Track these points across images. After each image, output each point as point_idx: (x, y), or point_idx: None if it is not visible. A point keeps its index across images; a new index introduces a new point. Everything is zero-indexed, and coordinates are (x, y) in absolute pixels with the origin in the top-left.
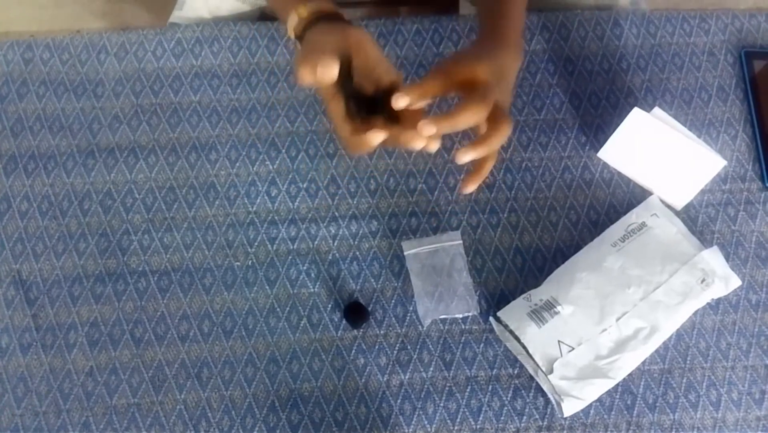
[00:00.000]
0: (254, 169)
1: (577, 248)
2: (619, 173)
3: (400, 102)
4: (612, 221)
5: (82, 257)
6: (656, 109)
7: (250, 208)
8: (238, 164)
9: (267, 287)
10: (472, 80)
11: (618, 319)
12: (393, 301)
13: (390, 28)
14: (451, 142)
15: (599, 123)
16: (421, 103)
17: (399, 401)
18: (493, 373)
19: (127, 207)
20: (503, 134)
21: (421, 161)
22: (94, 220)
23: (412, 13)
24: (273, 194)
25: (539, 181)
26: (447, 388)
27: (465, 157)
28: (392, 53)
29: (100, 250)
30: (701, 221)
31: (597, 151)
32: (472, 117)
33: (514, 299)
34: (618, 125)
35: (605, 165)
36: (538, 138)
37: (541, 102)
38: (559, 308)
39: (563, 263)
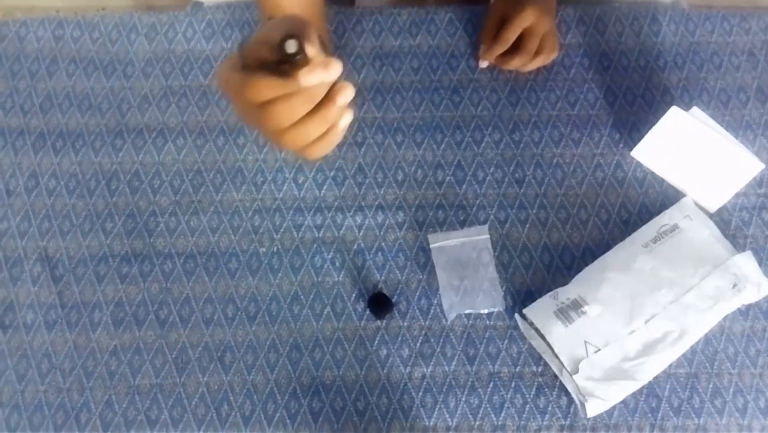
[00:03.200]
0: (282, 155)
1: (607, 247)
2: (652, 173)
3: (483, 65)
4: (643, 222)
5: (109, 236)
6: (695, 109)
7: (277, 195)
8: (265, 150)
9: (291, 274)
10: (524, 32)
11: (647, 321)
12: (417, 293)
13: (422, 17)
14: (481, 135)
15: (634, 121)
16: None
17: (421, 393)
18: (517, 370)
19: (154, 189)
20: (551, 58)
21: (450, 153)
22: (121, 200)
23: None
24: (300, 181)
25: (570, 177)
26: (469, 383)
27: (508, 67)
28: (424, 42)
29: (126, 230)
30: (734, 224)
31: (631, 149)
32: (529, 63)
33: (540, 296)
34: (653, 124)
35: (638, 164)
36: (571, 134)
37: (575, 97)
38: (586, 307)
39: (592, 262)
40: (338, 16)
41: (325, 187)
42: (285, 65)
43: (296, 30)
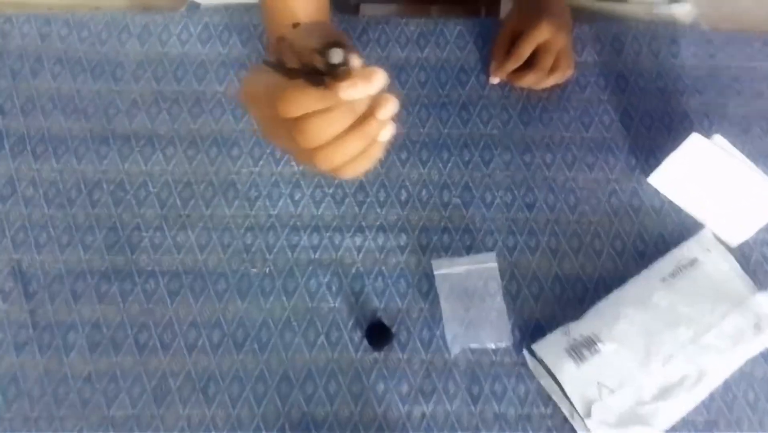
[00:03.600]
0: (278, 169)
1: (622, 279)
2: (670, 202)
3: (495, 81)
4: (660, 253)
5: (88, 251)
6: (717, 136)
7: (271, 212)
8: (261, 163)
9: (284, 298)
10: (539, 47)
11: (664, 361)
12: (419, 323)
13: (431, 29)
14: (490, 155)
15: (651, 146)
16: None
17: None
18: (524, 411)
19: (139, 200)
20: (566, 76)
21: (456, 173)
22: (103, 212)
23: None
24: (296, 198)
25: (583, 204)
26: (473, 424)
27: (520, 83)
28: (432, 55)
29: (107, 245)
30: (755, 259)
31: (647, 175)
32: (543, 81)
33: (550, 330)
34: (671, 149)
35: (656, 192)
36: (585, 157)
37: (590, 119)
38: (600, 345)
39: (606, 294)
40: (342, 25)
41: (323, 206)
42: (323, 76)
43: (335, 37)
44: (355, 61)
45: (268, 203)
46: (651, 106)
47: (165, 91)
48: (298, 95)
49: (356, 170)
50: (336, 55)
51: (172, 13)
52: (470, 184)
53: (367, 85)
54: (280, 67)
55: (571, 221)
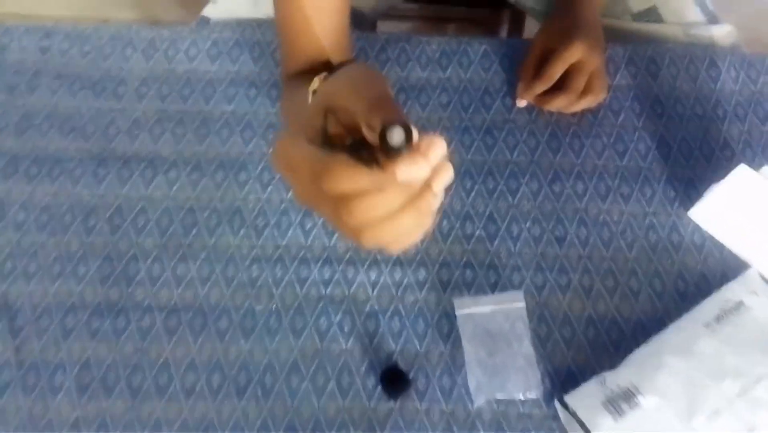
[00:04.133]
0: (288, 195)
1: (661, 322)
2: (712, 238)
3: (522, 104)
4: (703, 294)
5: (81, 282)
6: (766, 168)
7: (280, 242)
8: (270, 189)
9: (291, 338)
10: (570, 68)
11: (709, 418)
12: (439, 369)
13: (454, 48)
14: (517, 184)
15: (690, 176)
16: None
17: None
18: None
19: (138, 228)
20: (598, 99)
21: (480, 202)
22: (98, 240)
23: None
24: (307, 227)
25: (618, 238)
26: None
27: (550, 107)
28: (455, 76)
29: (102, 276)
30: None
31: (687, 209)
32: (575, 104)
33: (584, 379)
34: (712, 181)
35: (696, 227)
36: (619, 188)
37: (624, 146)
38: (640, 398)
39: (644, 339)
40: (360, 42)
41: (335, 236)
42: (375, 153)
43: (387, 103)
44: (417, 139)
45: (276, 233)
46: (690, 134)
47: (170, 110)
48: (348, 173)
49: (405, 245)
50: (397, 136)
51: (180, 27)
52: (495, 215)
53: (427, 163)
54: (326, 144)
55: (605, 257)
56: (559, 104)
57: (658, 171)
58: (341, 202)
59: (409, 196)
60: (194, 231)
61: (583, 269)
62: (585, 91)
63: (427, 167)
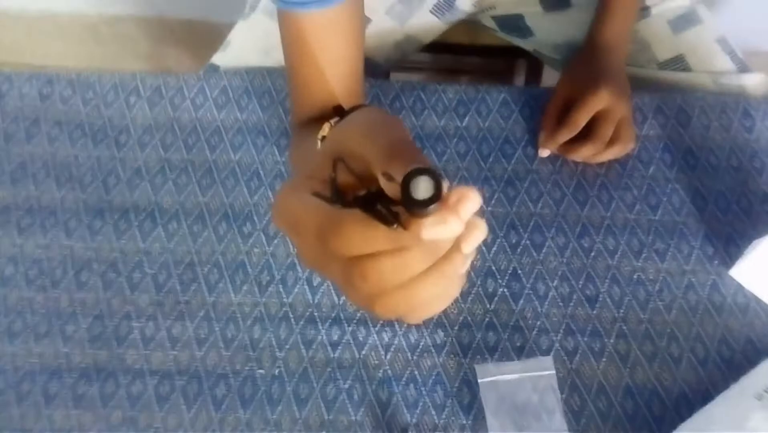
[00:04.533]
0: (295, 250)
1: (706, 394)
2: (757, 299)
3: (544, 154)
4: (750, 362)
5: (68, 342)
6: None
7: (285, 299)
8: (276, 242)
9: (295, 408)
10: (596, 116)
11: None
12: None
13: (471, 96)
14: (542, 238)
15: (730, 232)
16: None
17: None
18: None
19: (133, 284)
20: (627, 149)
21: (503, 258)
22: (90, 296)
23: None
24: (315, 284)
25: (656, 299)
26: None
27: (575, 157)
28: (473, 124)
29: (91, 336)
30: None
31: (728, 267)
32: (602, 153)
33: None
34: (753, 237)
35: (739, 286)
36: (654, 244)
37: (657, 199)
38: None
39: (688, 413)
40: (373, 90)
41: None
42: (397, 204)
43: (408, 149)
44: (445, 191)
45: (281, 289)
46: (726, 187)
47: (173, 159)
48: (361, 232)
49: (427, 315)
50: (424, 188)
51: (188, 75)
52: (519, 271)
53: (459, 220)
54: (335, 198)
55: (642, 319)
56: (585, 154)
57: (694, 226)
58: (353, 264)
59: (434, 258)
60: (193, 287)
61: (618, 333)
62: (612, 141)
63: (459, 226)
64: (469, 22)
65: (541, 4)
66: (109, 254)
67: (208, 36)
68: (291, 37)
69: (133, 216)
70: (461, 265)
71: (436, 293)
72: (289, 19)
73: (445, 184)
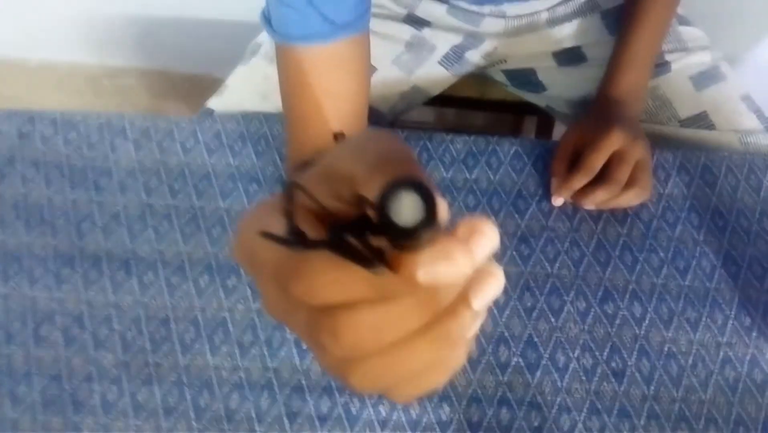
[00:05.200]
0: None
1: None
2: None
3: (558, 202)
4: None
5: (18, 408)
6: None
7: (269, 363)
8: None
9: None
10: (611, 158)
11: None
12: None
13: (481, 147)
14: (560, 303)
15: (767, 301)
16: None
17: None
18: None
19: (98, 341)
20: (644, 195)
21: (516, 323)
22: (48, 355)
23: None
24: (304, 346)
25: (689, 375)
26: None
27: (590, 203)
28: (483, 177)
29: (45, 400)
30: None
31: None
32: (618, 198)
33: None
34: None
35: None
36: (684, 312)
37: (685, 263)
38: None
39: None
40: None
41: None
42: (379, 235)
43: (402, 161)
44: (443, 216)
45: (265, 351)
46: (760, 252)
47: (156, 205)
48: (331, 275)
49: (419, 391)
50: (408, 207)
51: (179, 117)
52: (535, 339)
53: (469, 257)
54: (292, 239)
55: (675, 398)
56: (600, 198)
57: (727, 293)
58: (321, 317)
59: (431, 313)
60: (165, 347)
61: (648, 413)
62: (629, 184)
63: (468, 264)
64: (479, 76)
65: (555, 58)
66: (75, 306)
67: (210, 91)
68: (290, 74)
69: (105, 265)
70: (468, 325)
71: (433, 361)
72: (288, 55)
73: (442, 207)
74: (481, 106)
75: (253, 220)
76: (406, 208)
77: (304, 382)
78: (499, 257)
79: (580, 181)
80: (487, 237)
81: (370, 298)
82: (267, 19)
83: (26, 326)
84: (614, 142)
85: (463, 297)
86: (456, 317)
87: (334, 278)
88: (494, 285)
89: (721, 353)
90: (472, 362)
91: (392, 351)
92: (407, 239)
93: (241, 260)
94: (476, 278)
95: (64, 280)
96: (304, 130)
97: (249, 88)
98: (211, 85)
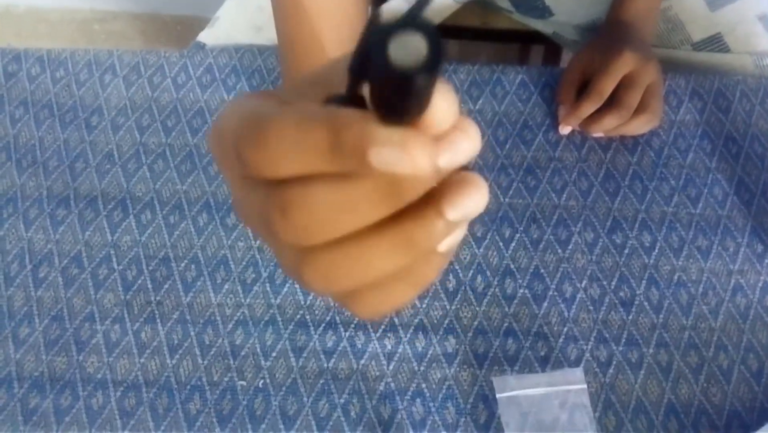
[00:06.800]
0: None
1: (762, 412)
2: None
3: (565, 131)
4: None
5: (21, 347)
6: None
7: (272, 300)
8: None
9: (282, 426)
10: (621, 83)
11: None
12: None
13: (485, 77)
14: (567, 234)
15: None
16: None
17: None
18: None
19: (98, 281)
20: (655, 121)
21: (523, 255)
22: (48, 295)
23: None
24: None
25: (700, 303)
26: None
27: (598, 130)
28: (488, 108)
29: (48, 340)
30: None
31: None
32: (628, 124)
33: None
34: None
35: None
36: (695, 240)
37: (697, 190)
38: None
39: None
40: None
41: None
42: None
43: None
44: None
45: (268, 288)
46: None
47: (149, 143)
48: (288, 138)
49: (383, 305)
50: (404, 48)
51: (169, 52)
52: (542, 270)
53: (427, 154)
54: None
55: (685, 326)
56: (608, 125)
57: (740, 221)
58: (274, 190)
59: (392, 208)
60: (166, 286)
61: (657, 342)
62: (639, 110)
63: (426, 163)
64: (482, 3)
65: None
66: (72, 246)
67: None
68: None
69: (101, 205)
70: (440, 236)
71: (396, 270)
72: None
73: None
74: (484, 36)
75: (230, 106)
76: (406, 49)
77: (308, 317)
78: (504, 189)
79: (588, 107)
80: (467, 136)
81: (328, 173)
82: None
83: (24, 268)
84: (625, 64)
85: (433, 202)
86: (422, 223)
87: (291, 141)
88: (474, 197)
89: (732, 281)
90: (477, 294)
91: (348, 245)
92: (403, 85)
93: (211, 144)
94: (454, 184)
95: (60, 221)
96: (301, 62)
97: (242, 20)
98: (203, 26)
